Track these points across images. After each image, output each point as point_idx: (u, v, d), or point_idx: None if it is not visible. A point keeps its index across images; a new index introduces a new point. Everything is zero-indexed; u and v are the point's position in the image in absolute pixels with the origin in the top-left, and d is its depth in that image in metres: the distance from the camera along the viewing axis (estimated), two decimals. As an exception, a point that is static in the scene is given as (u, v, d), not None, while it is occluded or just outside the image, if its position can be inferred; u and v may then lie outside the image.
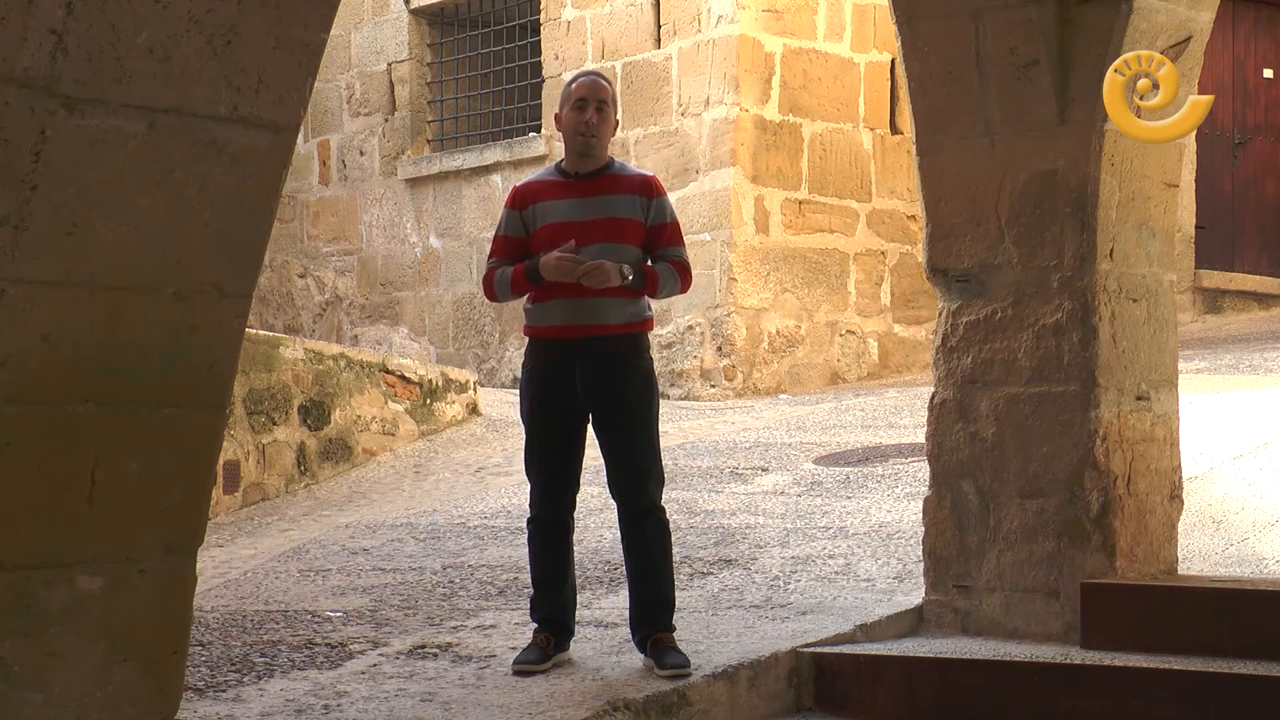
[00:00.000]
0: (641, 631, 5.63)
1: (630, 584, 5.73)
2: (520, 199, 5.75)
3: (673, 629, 5.65)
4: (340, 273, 15.52)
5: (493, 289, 5.74)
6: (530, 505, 5.79)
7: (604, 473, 5.76)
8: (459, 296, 14.38)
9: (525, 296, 5.74)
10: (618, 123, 5.80)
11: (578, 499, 5.82)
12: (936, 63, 6.09)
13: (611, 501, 5.85)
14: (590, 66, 12.86)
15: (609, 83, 5.80)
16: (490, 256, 5.80)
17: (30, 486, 3.14)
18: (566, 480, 5.72)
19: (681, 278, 5.73)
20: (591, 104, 5.65)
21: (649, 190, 5.72)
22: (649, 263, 5.70)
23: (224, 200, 3.24)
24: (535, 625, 5.75)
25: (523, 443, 5.81)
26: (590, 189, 5.68)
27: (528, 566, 5.87)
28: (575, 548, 5.93)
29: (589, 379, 5.61)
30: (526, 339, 5.79)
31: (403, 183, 14.86)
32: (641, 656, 5.62)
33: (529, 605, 5.83)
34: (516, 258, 5.70)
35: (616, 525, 5.84)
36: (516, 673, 5.55)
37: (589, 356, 5.60)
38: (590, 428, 5.71)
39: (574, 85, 5.73)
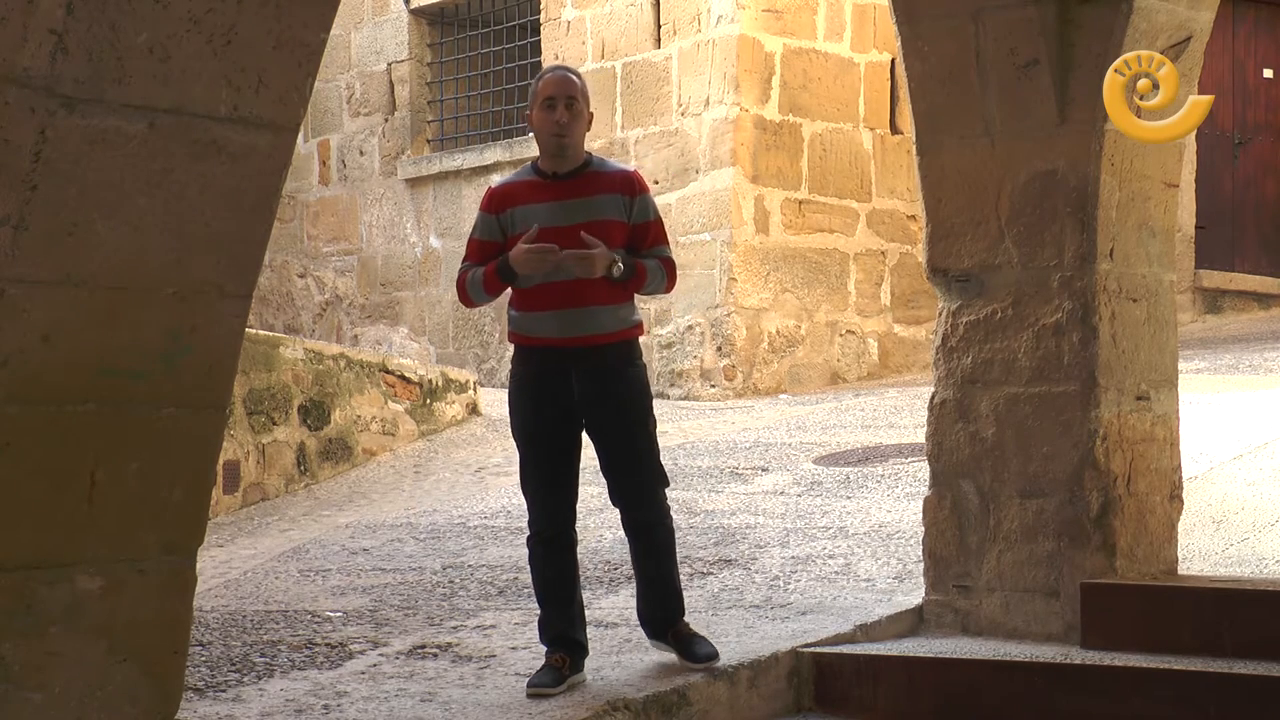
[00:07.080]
0: (656, 624, 5.56)
1: (640, 579, 5.60)
2: (497, 202, 5.45)
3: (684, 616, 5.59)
4: (340, 273, 15.52)
5: (465, 292, 5.50)
6: (530, 523, 5.52)
7: (601, 473, 5.65)
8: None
9: (508, 301, 5.53)
10: (592, 115, 5.52)
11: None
12: (936, 63, 6.09)
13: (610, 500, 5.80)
14: (591, 66, 12.88)
15: (578, 76, 5.52)
16: (464, 260, 5.55)
17: (30, 486, 3.14)
18: (567, 492, 5.49)
19: (668, 276, 5.52)
20: (560, 101, 5.38)
21: (630, 187, 5.48)
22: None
23: (224, 200, 3.24)
24: (546, 648, 5.46)
25: (522, 444, 5.69)
26: (570, 190, 5.43)
27: (527, 573, 5.67)
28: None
29: (586, 389, 5.41)
30: (512, 346, 5.55)
31: (403, 183, 14.86)
32: (651, 649, 5.59)
33: (538, 627, 5.55)
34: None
35: (617, 526, 5.81)
36: (531, 696, 5.25)
37: (585, 366, 5.40)
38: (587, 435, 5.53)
39: (540, 83, 5.46)
